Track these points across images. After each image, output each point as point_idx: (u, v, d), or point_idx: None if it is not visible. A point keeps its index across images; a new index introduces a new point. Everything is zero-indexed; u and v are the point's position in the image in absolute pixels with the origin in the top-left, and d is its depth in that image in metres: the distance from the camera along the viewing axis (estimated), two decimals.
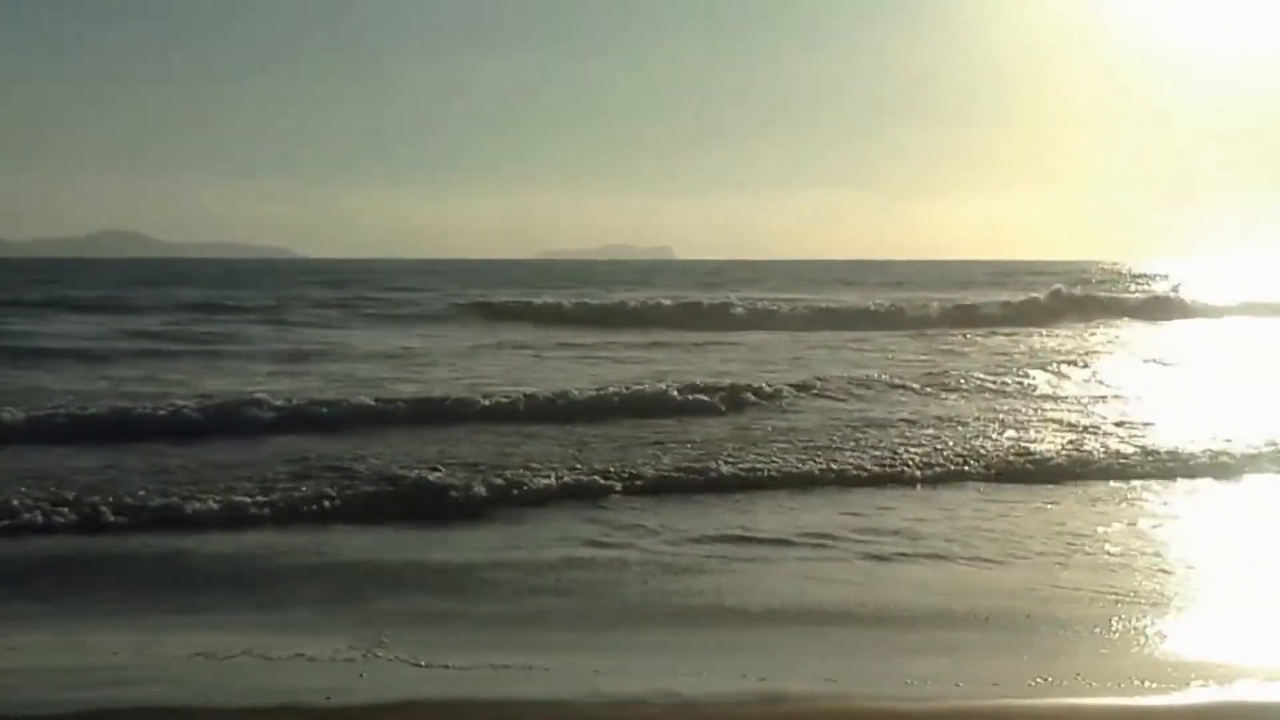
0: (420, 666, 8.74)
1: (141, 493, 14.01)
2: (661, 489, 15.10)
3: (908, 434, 18.79)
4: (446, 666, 8.76)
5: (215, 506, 13.49)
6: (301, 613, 10.35)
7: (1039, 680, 8.48)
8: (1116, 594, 10.86)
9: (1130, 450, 17.24)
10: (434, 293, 69.08)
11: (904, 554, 12.26)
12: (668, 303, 54.93)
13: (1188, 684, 8.44)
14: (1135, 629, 9.91)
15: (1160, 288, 71.58)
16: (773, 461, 16.42)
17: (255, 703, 7.95)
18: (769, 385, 23.53)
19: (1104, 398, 23.84)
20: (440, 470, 15.13)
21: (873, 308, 54.86)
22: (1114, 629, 9.95)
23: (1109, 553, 12.27)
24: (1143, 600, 10.65)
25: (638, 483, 15.13)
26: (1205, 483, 15.70)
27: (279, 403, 20.04)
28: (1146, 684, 8.43)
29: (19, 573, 11.44)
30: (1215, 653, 9.20)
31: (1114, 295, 62.52)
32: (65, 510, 13.17)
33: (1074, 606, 10.62)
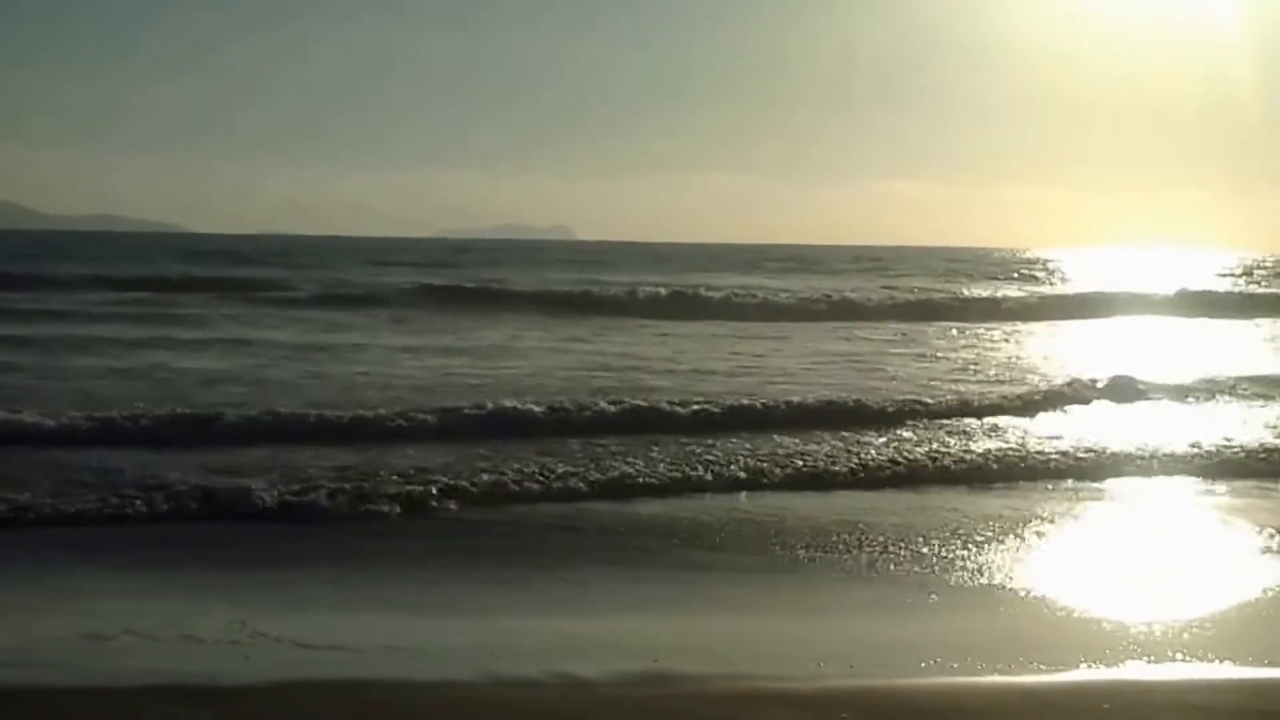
0: (308, 647, 8.66)
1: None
2: None
3: None
4: (335, 648, 8.68)
5: None
6: (184, 595, 10.23)
7: (932, 661, 8.54)
8: (1007, 577, 10.99)
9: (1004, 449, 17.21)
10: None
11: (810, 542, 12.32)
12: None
13: (1077, 664, 8.54)
14: (1026, 611, 10.03)
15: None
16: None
17: (138, 683, 7.83)
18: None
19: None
20: None
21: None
22: (1004, 611, 10.06)
23: (998, 538, 12.39)
24: (1034, 583, 10.77)
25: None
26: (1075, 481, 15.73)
27: None
28: (1036, 664, 8.51)
29: None
30: (1105, 635, 9.31)
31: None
32: None
33: (965, 589, 10.73)
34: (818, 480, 14.99)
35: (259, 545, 11.90)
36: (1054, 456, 16.43)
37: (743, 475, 14.98)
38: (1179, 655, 8.81)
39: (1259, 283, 72.72)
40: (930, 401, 20.41)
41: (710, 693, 7.85)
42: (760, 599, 10.48)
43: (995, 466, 15.84)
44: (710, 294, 48.02)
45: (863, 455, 16.17)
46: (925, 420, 19.11)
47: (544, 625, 9.50)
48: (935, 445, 16.98)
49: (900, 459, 16.05)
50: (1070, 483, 15.31)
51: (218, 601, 9.84)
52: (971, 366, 27.71)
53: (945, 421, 19.09)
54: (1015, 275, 79.17)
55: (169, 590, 10.36)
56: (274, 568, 11.20)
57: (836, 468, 15.45)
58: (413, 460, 15.12)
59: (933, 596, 10.49)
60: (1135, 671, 8.50)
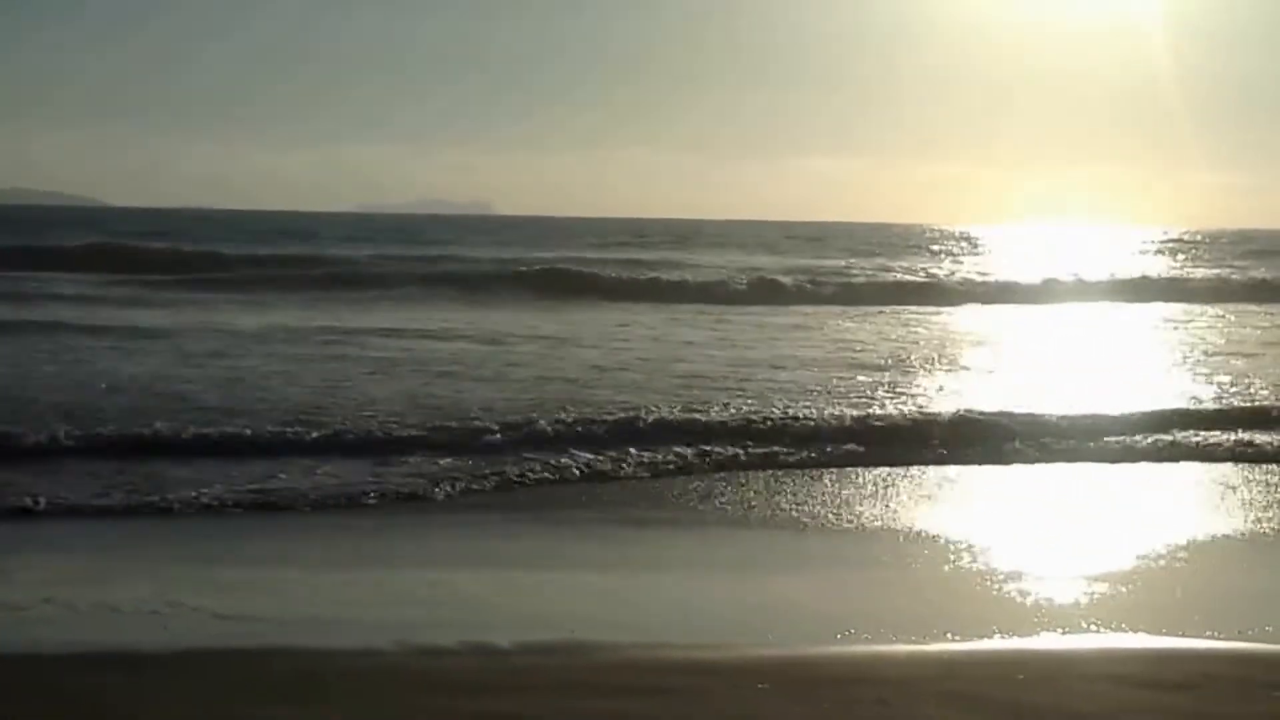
0: (226, 618, 8.61)
1: None
2: None
3: None
4: (252, 618, 8.65)
5: None
6: (106, 564, 10.15)
7: (848, 630, 8.59)
8: (921, 548, 11.09)
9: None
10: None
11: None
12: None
13: (991, 634, 8.62)
14: (940, 581, 10.12)
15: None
16: None
17: (58, 651, 7.78)
18: None
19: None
20: None
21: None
22: (919, 581, 10.16)
23: (910, 509, 12.51)
24: (948, 554, 10.87)
25: None
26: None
27: None
28: (950, 634, 8.58)
29: None
30: (1018, 605, 9.42)
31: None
32: None
33: (879, 560, 10.82)
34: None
35: (184, 521, 11.77)
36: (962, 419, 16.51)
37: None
38: (1092, 625, 8.90)
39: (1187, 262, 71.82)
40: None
41: (625, 661, 7.86)
42: (676, 567, 10.53)
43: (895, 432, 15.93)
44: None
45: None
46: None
47: (462, 594, 9.49)
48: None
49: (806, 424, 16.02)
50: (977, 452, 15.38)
51: (139, 574, 9.79)
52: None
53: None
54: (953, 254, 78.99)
55: (90, 562, 10.31)
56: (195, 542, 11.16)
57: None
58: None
59: (847, 567, 10.57)
60: (1049, 641, 8.60)
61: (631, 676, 7.50)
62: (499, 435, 14.79)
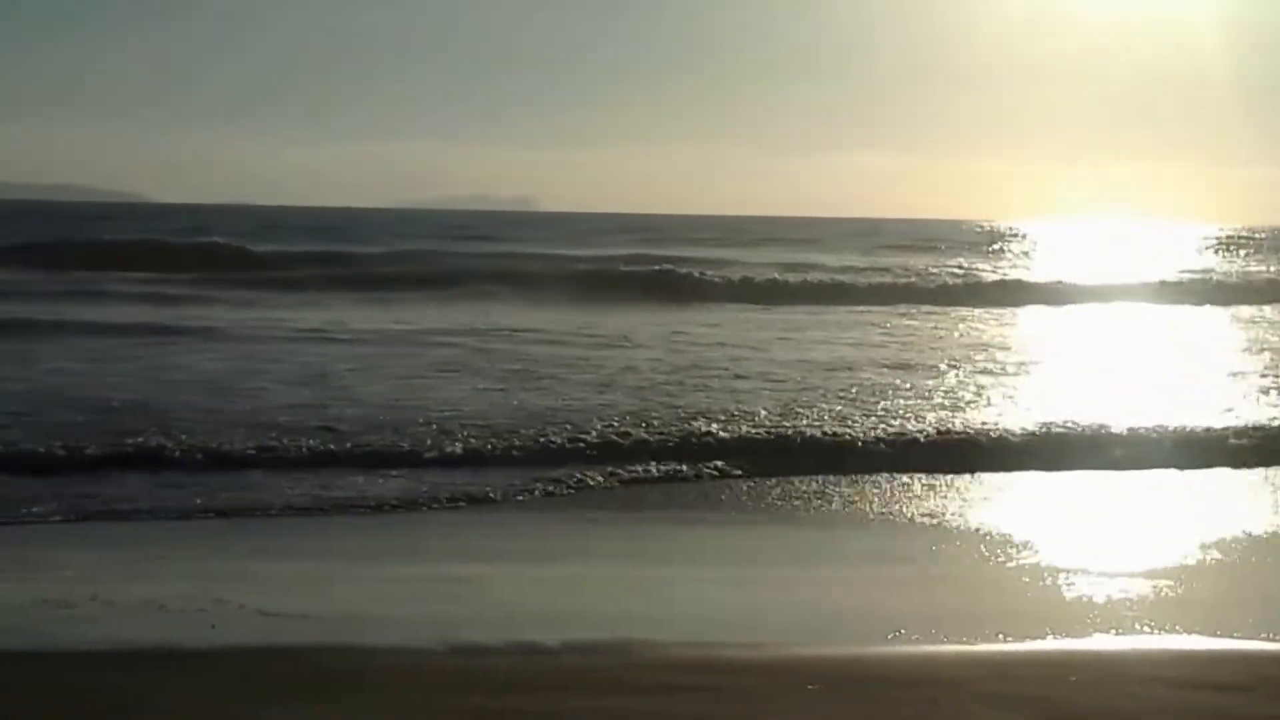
0: (271, 615, 8.62)
1: None
2: None
3: None
4: (298, 615, 8.66)
5: None
6: (152, 562, 10.19)
7: (899, 631, 8.52)
8: (973, 550, 11.01)
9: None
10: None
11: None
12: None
13: (1043, 635, 8.53)
14: (992, 582, 10.04)
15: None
16: None
17: (104, 648, 7.78)
18: None
19: None
20: None
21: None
22: (971, 582, 10.08)
23: (963, 513, 12.42)
24: (1000, 555, 10.79)
25: None
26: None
27: None
28: (1003, 635, 8.49)
29: None
30: (1071, 606, 9.33)
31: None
32: None
33: (931, 561, 10.75)
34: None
35: (230, 520, 11.76)
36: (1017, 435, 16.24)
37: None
38: (1145, 627, 8.80)
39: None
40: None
41: (672, 660, 7.81)
42: (724, 566, 10.49)
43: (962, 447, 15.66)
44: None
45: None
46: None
47: (508, 592, 9.46)
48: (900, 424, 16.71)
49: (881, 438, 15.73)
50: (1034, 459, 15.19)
51: (184, 572, 9.81)
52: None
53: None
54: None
55: (136, 560, 10.34)
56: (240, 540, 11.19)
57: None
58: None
59: (900, 568, 10.51)
60: (1101, 643, 8.50)
61: (679, 676, 7.43)
62: (561, 442, 14.64)
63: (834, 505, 12.86)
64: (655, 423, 15.65)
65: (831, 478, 13.90)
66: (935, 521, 12.25)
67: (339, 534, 11.47)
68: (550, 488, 12.96)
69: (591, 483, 13.20)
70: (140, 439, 13.96)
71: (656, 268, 45.01)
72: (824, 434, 15.52)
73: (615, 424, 15.48)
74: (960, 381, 20.54)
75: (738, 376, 20.31)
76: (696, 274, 43.33)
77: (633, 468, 13.73)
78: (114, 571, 9.88)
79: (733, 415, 16.30)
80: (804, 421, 16.09)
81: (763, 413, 16.57)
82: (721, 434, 15.25)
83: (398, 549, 11.05)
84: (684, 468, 13.93)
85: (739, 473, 13.93)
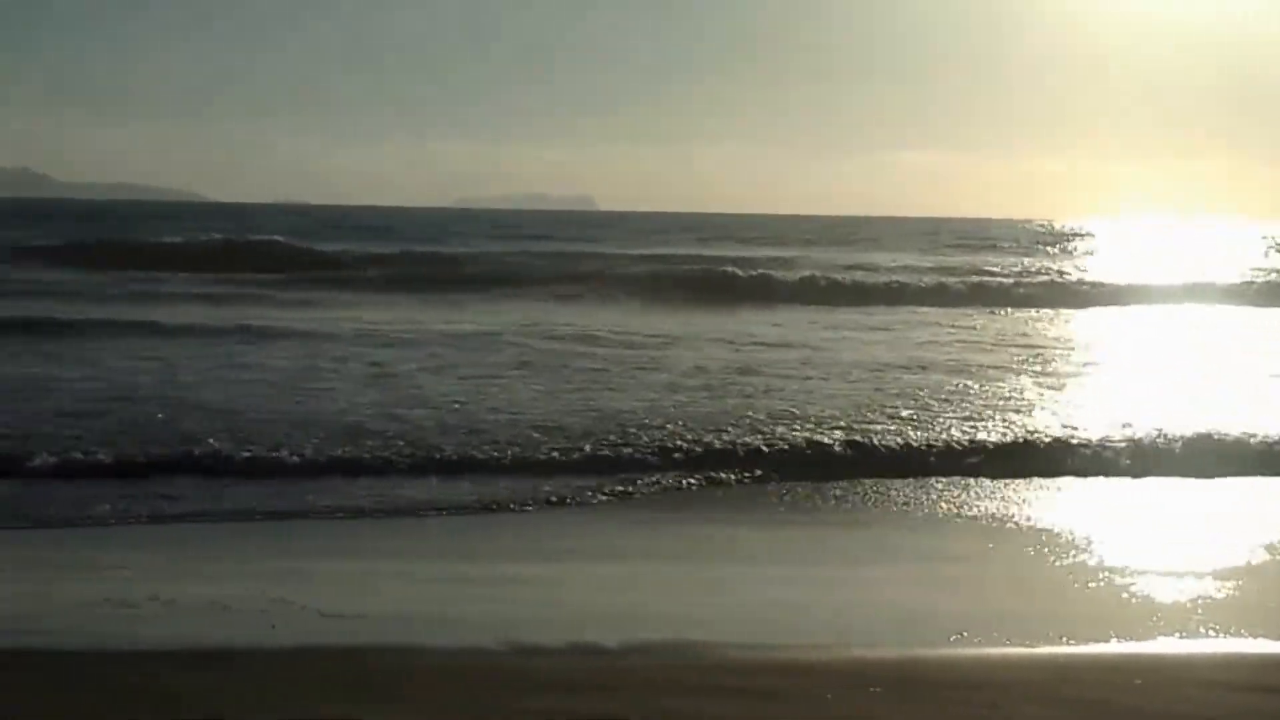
0: (332, 616, 8.66)
1: None
2: None
3: None
4: (359, 615, 8.70)
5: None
6: (215, 562, 10.26)
7: (961, 634, 8.48)
8: (1037, 552, 10.95)
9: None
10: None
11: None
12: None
13: (1108, 638, 8.48)
14: (1056, 585, 9.98)
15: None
16: None
17: (166, 648, 7.83)
18: None
19: None
20: None
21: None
22: (1034, 584, 10.02)
23: (1028, 515, 12.36)
24: (1064, 558, 10.74)
25: None
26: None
27: None
28: (1067, 638, 8.45)
29: None
30: (1136, 609, 9.27)
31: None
32: None
33: (994, 562, 10.69)
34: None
35: (293, 523, 11.82)
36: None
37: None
38: (1210, 630, 8.72)
39: None
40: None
41: (733, 662, 7.80)
42: (785, 567, 10.47)
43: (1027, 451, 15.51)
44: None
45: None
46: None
47: (568, 593, 9.49)
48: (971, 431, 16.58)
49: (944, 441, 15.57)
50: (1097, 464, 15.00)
51: (247, 572, 9.91)
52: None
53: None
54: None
55: (197, 560, 10.41)
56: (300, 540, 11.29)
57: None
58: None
59: (959, 569, 10.46)
60: (1167, 646, 8.42)
61: (739, 678, 7.42)
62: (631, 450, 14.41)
63: (895, 507, 12.79)
64: (722, 424, 15.59)
65: (894, 481, 13.80)
66: (995, 523, 12.17)
67: (399, 535, 11.48)
68: (620, 487, 12.95)
69: (657, 486, 13.16)
70: (206, 441, 13.95)
71: (720, 269, 44.85)
72: (888, 436, 15.38)
73: (683, 424, 15.47)
74: (1026, 384, 20.33)
75: (805, 378, 20.23)
76: (758, 274, 43.07)
77: (698, 472, 13.64)
78: (175, 572, 9.92)
79: (796, 416, 16.24)
80: (870, 424, 15.98)
81: (826, 414, 16.50)
82: (788, 436, 15.17)
83: (459, 550, 11.05)
84: (748, 471, 13.86)
85: (801, 475, 13.85)
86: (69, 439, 13.96)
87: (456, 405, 16.91)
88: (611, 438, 14.77)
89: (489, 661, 7.72)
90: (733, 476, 13.63)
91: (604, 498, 12.66)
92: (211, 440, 13.97)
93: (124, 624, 8.43)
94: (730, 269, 44.58)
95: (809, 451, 14.60)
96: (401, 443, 14.26)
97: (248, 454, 13.59)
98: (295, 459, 13.57)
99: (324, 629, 8.39)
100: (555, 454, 14.07)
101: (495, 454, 13.98)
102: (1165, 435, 15.66)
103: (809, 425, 15.74)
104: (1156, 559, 10.83)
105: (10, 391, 17.47)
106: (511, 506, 12.26)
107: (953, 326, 30.89)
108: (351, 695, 6.98)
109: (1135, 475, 14.56)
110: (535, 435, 14.84)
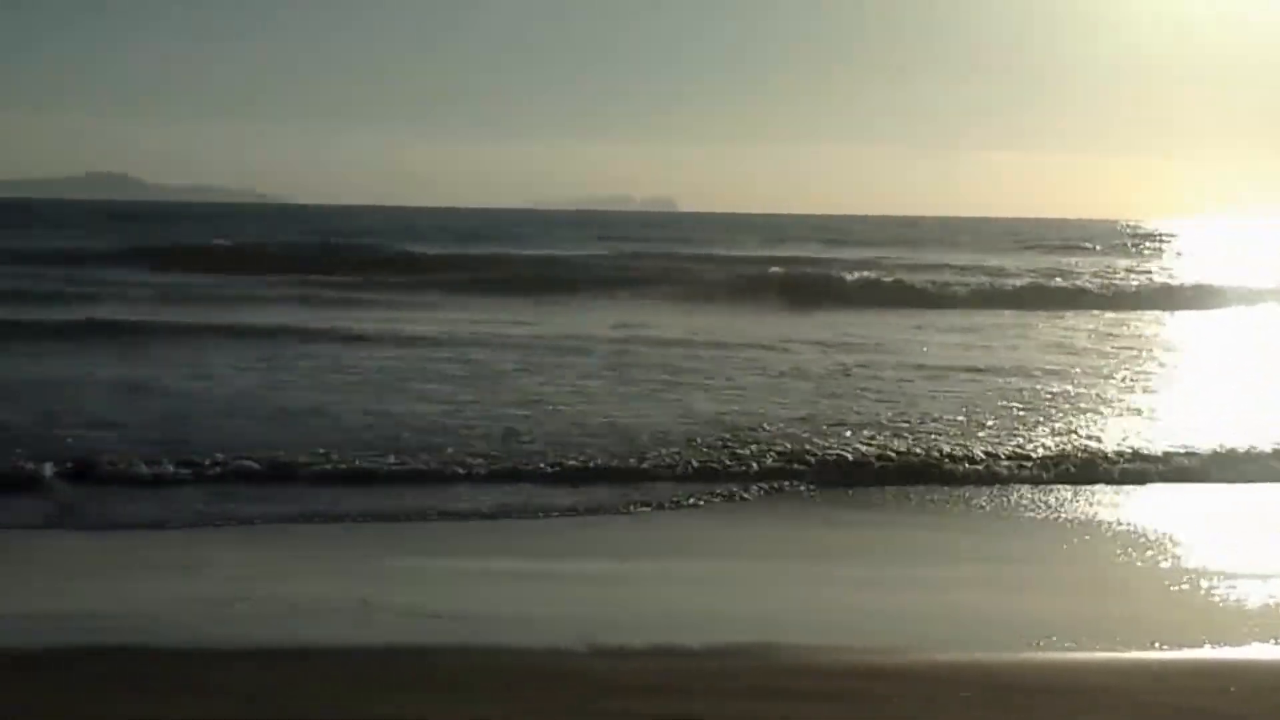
0: (422, 615, 8.69)
1: None
2: None
3: None
4: (449, 615, 8.74)
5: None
6: (310, 562, 10.40)
7: (1050, 638, 8.37)
8: (1127, 556, 10.81)
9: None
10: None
11: None
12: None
13: (1200, 643, 8.33)
14: (1148, 589, 9.84)
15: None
16: None
17: (260, 645, 7.90)
18: None
19: None
20: None
21: None
22: (1125, 589, 9.89)
23: (1118, 520, 12.19)
24: (1156, 562, 10.60)
25: None
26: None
27: None
28: (1158, 643, 8.31)
29: None
30: (1229, 615, 9.12)
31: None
32: None
33: (1083, 566, 10.55)
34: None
35: (377, 523, 11.81)
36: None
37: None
38: None
39: None
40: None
41: (819, 665, 7.72)
42: (872, 569, 10.38)
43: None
44: None
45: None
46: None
47: (647, 595, 9.44)
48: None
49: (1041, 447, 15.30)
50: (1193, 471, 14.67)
51: (332, 570, 10.00)
52: None
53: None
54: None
55: (287, 560, 10.51)
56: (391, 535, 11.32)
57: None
58: None
59: (1048, 572, 10.34)
60: (1260, 653, 8.27)
61: (823, 681, 7.35)
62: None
63: (979, 511, 12.67)
64: (818, 427, 15.58)
65: (979, 487, 13.65)
66: (1080, 528, 12.03)
67: (486, 537, 11.49)
68: (716, 491, 12.91)
69: (750, 489, 13.09)
70: (312, 447, 13.94)
71: (808, 270, 44.82)
72: (983, 441, 15.22)
73: (781, 427, 15.49)
74: (1121, 388, 20.14)
75: (902, 381, 20.14)
76: (844, 276, 42.75)
77: (783, 477, 13.52)
78: (265, 572, 10.00)
79: (891, 421, 16.18)
80: (970, 430, 15.90)
81: (917, 419, 16.46)
82: (880, 440, 15.08)
83: (546, 550, 11.06)
84: (832, 475, 13.72)
85: (886, 479, 13.75)
86: (168, 444, 14.09)
87: (551, 407, 17.00)
88: (699, 440, 14.75)
89: (569, 662, 7.71)
90: (814, 478, 13.55)
91: (697, 502, 12.59)
92: (321, 450, 13.88)
93: (214, 622, 8.50)
94: (817, 270, 44.55)
95: (894, 456, 14.45)
96: (486, 448, 14.25)
97: (344, 463, 13.49)
98: (392, 464, 13.52)
99: (407, 629, 8.39)
100: (646, 461, 13.92)
101: (585, 459, 13.89)
102: (1258, 440, 15.41)
103: (902, 430, 15.68)
104: (1248, 564, 10.65)
105: (120, 394, 17.68)
106: (599, 510, 12.24)
107: (1047, 329, 30.69)
108: (438, 693, 7.00)
109: (1229, 481, 14.29)
110: (629, 438, 14.84)
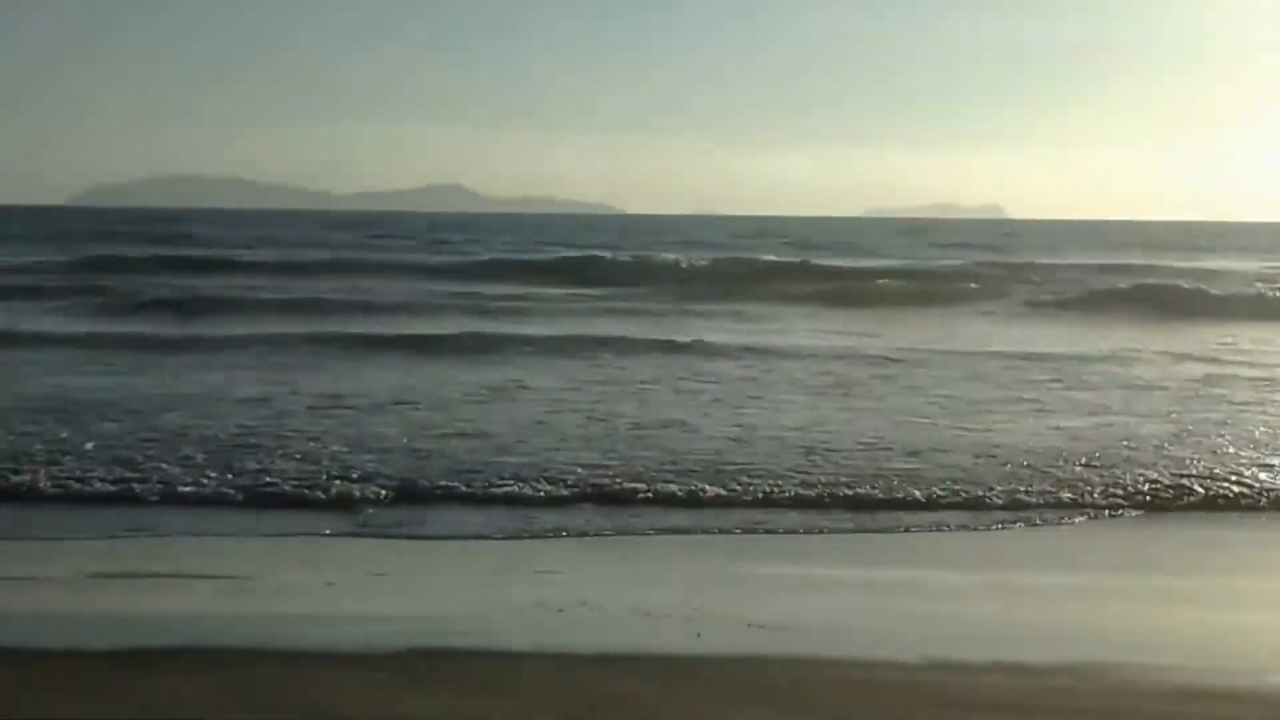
0: (757, 626, 8.73)
1: None
2: None
3: None
4: (781, 626, 8.75)
5: None
6: (636, 569, 10.60)
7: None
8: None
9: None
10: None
11: None
12: None
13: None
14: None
15: None
16: None
17: (590, 651, 8.11)
18: None
19: None
20: None
21: None
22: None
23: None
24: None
25: None
26: None
27: None
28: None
29: None
30: None
31: None
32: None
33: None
34: None
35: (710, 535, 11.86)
36: None
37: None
38: None
39: None
40: None
41: (1171, 688, 7.53)
42: (1207, 594, 10.15)
43: None
44: None
45: None
46: None
47: (990, 610, 9.42)
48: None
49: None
50: None
51: (670, 579, 10.16)
52: None
53: None
54: None
55: (622, 565, 10.76)
56: (725, 547, 11.40)
57: None
58: None
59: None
60: None
61: (1174, 705, 7.20)
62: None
63: None
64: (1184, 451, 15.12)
65: None
66: None
67: (828, 548, 11.49)
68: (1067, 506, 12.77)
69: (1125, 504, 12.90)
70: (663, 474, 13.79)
71: (1158, 280, 43.57)
72: None
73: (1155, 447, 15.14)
74: None
75: (1269, 401, 19.43)
76: (1202, 288, 41.16)
77: (1140, 498, 13.07)
78: (603, 577, 10.25)
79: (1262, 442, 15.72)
80: None
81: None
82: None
83: (882, 560, 11.04)
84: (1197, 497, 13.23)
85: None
86: (542, 454, 14.60)
87: (908, 419, 17.14)
88: (1066, 461, 14.53)
89: (904, 675, 7.67)
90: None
91: (1054, 518, 12.45)
92: (670, 469, 13.93)
93: (554, 627, 8.70)
94: (1175, 281, 43.14)
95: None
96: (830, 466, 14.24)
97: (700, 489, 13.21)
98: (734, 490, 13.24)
99: (746, 639, 8.45)
100: (998, 485, 13.44)
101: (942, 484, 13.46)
102: None
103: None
104: None
105: (503, 410, 17.97)
106: (947, 526, 12.14)
107: None
108: (773, 704, 7.06)
109: None
110: (988, 459, 14.65)
